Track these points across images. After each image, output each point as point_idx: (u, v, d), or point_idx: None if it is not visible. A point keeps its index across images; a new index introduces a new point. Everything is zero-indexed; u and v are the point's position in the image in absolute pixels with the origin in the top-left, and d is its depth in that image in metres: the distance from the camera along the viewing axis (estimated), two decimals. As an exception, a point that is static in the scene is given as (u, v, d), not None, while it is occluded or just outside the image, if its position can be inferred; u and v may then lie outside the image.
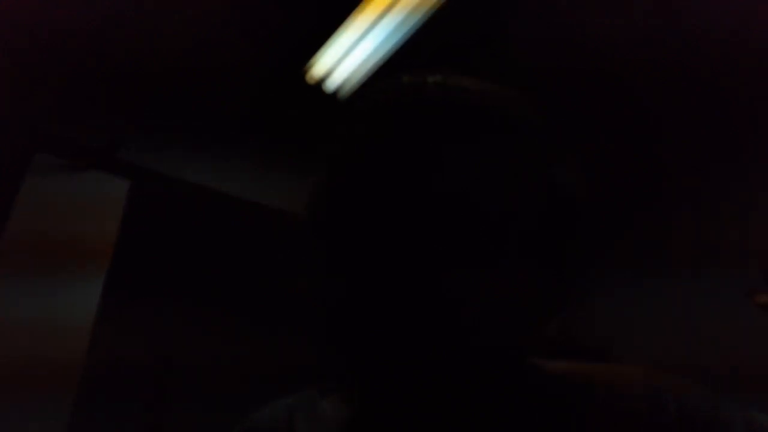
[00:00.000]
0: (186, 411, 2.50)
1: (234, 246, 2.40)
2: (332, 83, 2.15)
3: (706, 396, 0.46)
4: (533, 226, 0.46)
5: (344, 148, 0.50)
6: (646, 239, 2.67)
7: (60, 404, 1.80)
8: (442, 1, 1.83)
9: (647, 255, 2.62)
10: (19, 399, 1.72)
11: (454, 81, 0.50)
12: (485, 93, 0.49)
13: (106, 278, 2.02)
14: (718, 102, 2.13)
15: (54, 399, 1.81)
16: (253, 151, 2.45)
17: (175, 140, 2.30)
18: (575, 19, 1.87)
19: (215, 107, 2.34)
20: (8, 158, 2.06)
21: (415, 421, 0.47)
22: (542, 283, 0.48)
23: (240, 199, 2.32)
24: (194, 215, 2.34)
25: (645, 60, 1.99)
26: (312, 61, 2.10)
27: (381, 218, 0.45)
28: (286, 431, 0.56)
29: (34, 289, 1.88)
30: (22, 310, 1.84)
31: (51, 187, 2.02)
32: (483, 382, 0.46)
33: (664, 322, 2.43)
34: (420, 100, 0.48)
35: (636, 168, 2.48)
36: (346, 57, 2.06)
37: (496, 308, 0.44)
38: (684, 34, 1.88)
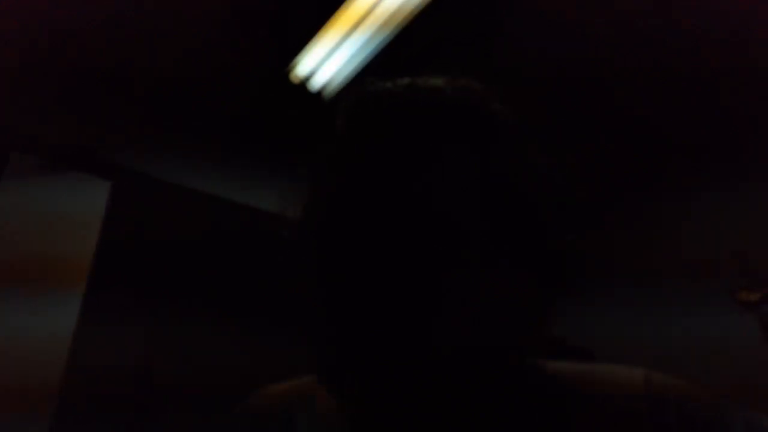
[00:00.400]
0: (172, 417, 2.47)
1: (220, 248, 2.38)
2: (317, 82, 2.14)
3: (706, 396, 0.46)
4: (512, 220, 0.47)
5: (329, 152, 0.51)
6: (629, 239, 2.70)
7: (41, 413, 1.77)
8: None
9: (632, 255, 2.64)
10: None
11: (423, 83, 0.51)
12: (455, 92, 0.50)
13: (88, 282, 1.99)
14: (709, 102, 2.15)
15: (33, 411, 1.78)
16: (237, 150, 2.43)
17: (157, 140, 2.27)
18: (571, 18, 1.88)
19: (198, 107, 2.31)
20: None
21: (415, 421, 0.47)
22: (538, 282, 0.48)
23: (223, 199, 2.30)
24: (177, 216, 2.31)
25: (641, 60, 2.01)
26: (296, 60, 2.09)
27: (374, 220, 0.45)
28: (285, 422, 0.56)
29: (13, 296, 1.84)
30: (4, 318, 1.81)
31: (29, 188, 1.99)
32: (483, 382, 0.46)
33: (649, 322, 2.45)
34: (392, 106, 0.49)
35: (623, 168, 2.51)
36: (331, 55, 2.05)
37: (495, 308, 0.45)
38: (683, 33, 1.90)
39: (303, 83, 2.16)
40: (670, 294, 2.51)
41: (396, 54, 1.98)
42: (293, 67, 2.12)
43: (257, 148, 2.42)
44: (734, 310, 2.34)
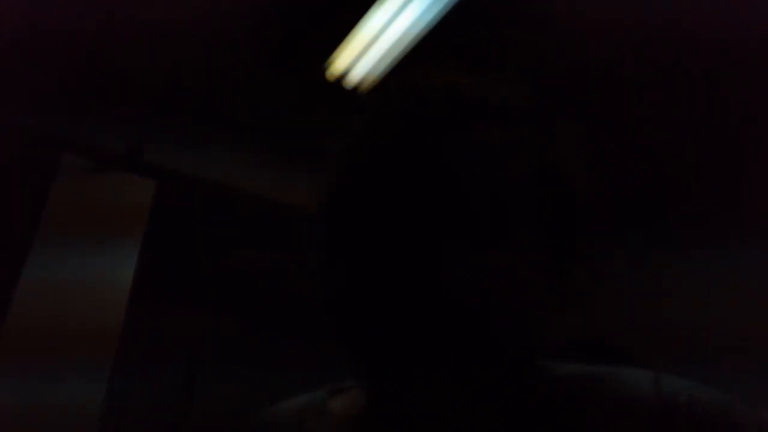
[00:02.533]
0: (213, 415, 2.53)
1: (259, 245, 2.42)
2: (352, 79, 2.15)
3: (718, 399, 0.45)
4: (536, 215, 0.47)
5: (351, 144, 0.51)
6: (671, 234, 2.62)
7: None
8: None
9: (674, 250, 2.57)
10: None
11: (453, 77, 0.51)
12: (484, 84, 0.51)
13: (133, 280, 2.05)
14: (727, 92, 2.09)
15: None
16: (276, 149, 2.47)
17: (199, 140, 2.33)
18: (576, 17, 1.86)
19: (238, 105, 2.36)
20: (35, 160, 2.11)
21: (422, 421, 0.47)
22: (548, 276, 0.48)
23: (262, 197, 2.33)
24: (219, 214, 2.36)
25: (646, 58, 1.98)
26: (332, 57, 2.10)
27: (387, 213, 0.45)
28: (295, 428, 0.57)
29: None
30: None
31: (79, 188, 2.06)
32: (491, 382, 0.46)
33: (692, 319, 2.38)
34: (421, 98, 0.49)
35: (657, 158, 2.45)
36: (365, 53, 2.06)
37: (503, 304, 0.44)
38: (685, 32, 1.86)
39: (339, 80, 2.18)
40: (715, 286, 2.42)
41: (430, 49, 1.97)
42: (329, 65, 2.13)
43: (297, 146, 2.44)
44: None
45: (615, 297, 2.46)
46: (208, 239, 2.31)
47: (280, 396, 0.63)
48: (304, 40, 2.08)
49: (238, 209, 2.37)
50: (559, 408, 0.47)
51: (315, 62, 2.12)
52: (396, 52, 1.98)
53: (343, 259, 0.48)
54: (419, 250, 0.43)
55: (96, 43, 2.06)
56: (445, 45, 1.93)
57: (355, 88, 2.18)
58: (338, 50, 2.06)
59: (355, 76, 2.13)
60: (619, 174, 2.31)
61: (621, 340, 2.33)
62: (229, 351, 2.52)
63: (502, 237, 0.45)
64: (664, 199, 2.56)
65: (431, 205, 0.44)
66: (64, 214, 2.03)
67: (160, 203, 2.12)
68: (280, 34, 2.08)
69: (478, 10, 1.84)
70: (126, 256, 2.03)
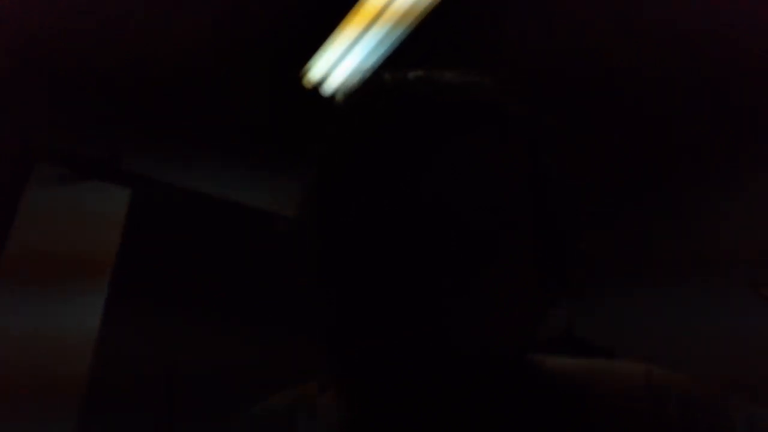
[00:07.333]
0: (194, 419, 2.49)
1: (236, 252, 2.40)
2: (329, 87, 2.15)
3: (709, 393, 0.45)
4: (526, 221, 0.46)
5: (331, 149, 0.50)
6: (651, 234, 2.66)
7: (65, 417, 1.80)
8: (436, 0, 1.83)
9: (651, 251, 2.61)
10: (21, 415, 1.73)
11: (436, 76, 0.49)
12: (469, 87, 0.49)
13: (109, 288, 2.01)
14: (721, 95, 2.12)
15: (58, 412, 1.81)
16: (252, 156, 2.45)
17: (174, 147, 2.30)
18: (570, 15, 1.88)
19: (214, 114, 2.34)
20: (8, 170, 2.06)
21: (414, 421, 0.46)
22: (538, 278, 0.47)
23: (240, 204, 2.32)
24: (195, 222, 2.34)
25: (642, 58, 2.00)
26: (308, 65, 2.10)
27: (371, 219, 0.44)
28: (286, 426, 0.56)
29: (38, 300, 1.88)
30: (26, 322, 1.84)
31: (52, 197, 2.03)
32: (481, 380, 0.45)
33: (669, 318, 2.41)
34: (403, 98, 0.48)
35: (639, 162, 2.48)
36: (342, 60, 2.06)
37: (493, 306, 0.44)
38: (683, 31, 1.89)
39: (316, 88, 2.17)
40: (692, 290, 2.47)
41: (407, 56, 1.98)
42: (306, 72, 2.13)
43: (274, 153, 2.44)
44: (757, 305, 2.30)
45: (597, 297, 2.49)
46: (184, 247, 2.28)
47: (263, 395, 0.62)
48: (281, 47, 2.07)
49: (215, 217, 2.35)
50: (550, 402, 0.47)
51: (292, 70, 2.11)
52: (377, 57, 1.99)
53: (327, 267, 0.47)
54: (407, 258, 0.42)
55: (72, 51, 2.04)
56: (426, 49, 1.94)
57: (333, 96, 2.18)
58: (315, 57, 2.06)
59: (333, 83, 2.13)
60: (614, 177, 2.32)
61: (602, 340, 2.36)
62: (210, 353, 2.49)
63: (494, 244, 0.44)
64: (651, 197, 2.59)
65: (419, 213, 0.43)
66: (36, 224, 1.98)
67: (136, 211, 2.10)
68: (257, 42, 2.07)
69: (458, 12, 1.85)
70: (101, 264, 2.00)
